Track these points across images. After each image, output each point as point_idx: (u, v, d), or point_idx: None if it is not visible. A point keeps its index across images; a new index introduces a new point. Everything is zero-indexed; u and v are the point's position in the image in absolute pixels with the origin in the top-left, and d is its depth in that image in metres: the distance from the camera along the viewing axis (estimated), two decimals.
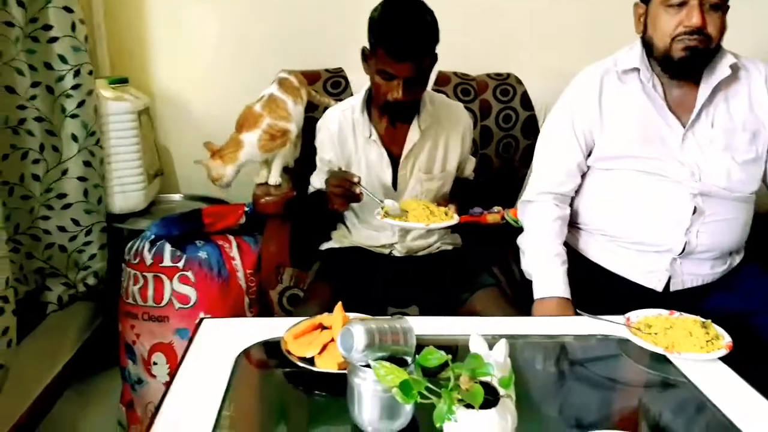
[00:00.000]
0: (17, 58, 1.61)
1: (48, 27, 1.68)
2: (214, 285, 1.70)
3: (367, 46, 1.48)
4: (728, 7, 1.38)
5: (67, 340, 1.93)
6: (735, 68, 1.43)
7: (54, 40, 1.69)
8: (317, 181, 1.66)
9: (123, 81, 2.09)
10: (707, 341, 1.13)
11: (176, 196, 2.28)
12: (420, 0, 1.43)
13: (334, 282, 1.52)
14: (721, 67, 1.42)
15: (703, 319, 1.20)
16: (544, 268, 1.45)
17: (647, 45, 1.44)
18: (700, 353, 1.11)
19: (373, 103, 1.57)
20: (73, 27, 1.72)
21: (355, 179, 1.42)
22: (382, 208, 1.45)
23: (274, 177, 1.78)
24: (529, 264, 1.50)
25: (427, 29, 1.41)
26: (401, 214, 1.43)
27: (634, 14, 1.48)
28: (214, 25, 2.23)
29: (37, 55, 1.67)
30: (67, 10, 1.70)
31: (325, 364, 1.03)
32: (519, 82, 2.10)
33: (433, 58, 1.48)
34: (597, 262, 1.55)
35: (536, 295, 1.43)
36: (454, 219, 1.44)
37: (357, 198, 1.43)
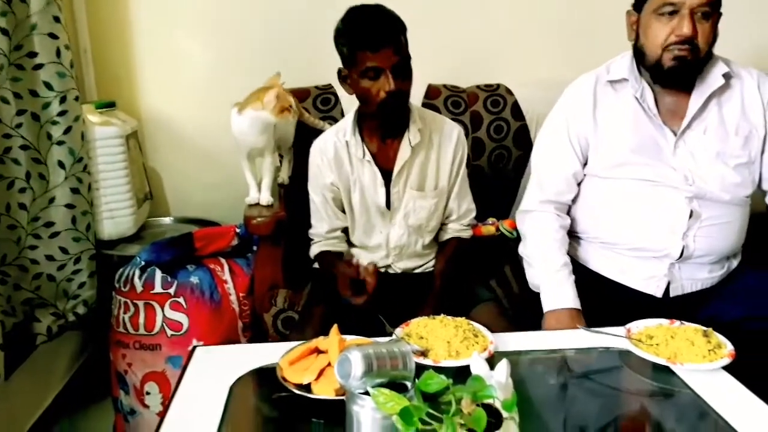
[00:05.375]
0: (2, 86, 1.59)
1: (33, 54, 1.66)
2: (206, 310, 1.67)
3: (341, 66, 1.48)
4: (720, 14, 1.38)
5: (58, 371, 1.89)
6: (727, 76, 1.43)
7: (39, 67, 1.67)
8: (320, 224, 1.63)
9: (110, 105, 2.08)
10: (709, 350, 1.12)
11: (167, 220, 2.26)
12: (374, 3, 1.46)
13: (329, 303, 1.49)
14: (713, 76, 1.42)
15: (705, 328, 1.19)
16: (553, 280, 1.44)
17: (639, 53, 1.44)
18: (702, 363, 1.09)
19: (363, 121, 1.56)
20: (58, 53, 1.70)
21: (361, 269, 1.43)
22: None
23: (266, 197, 1.77)
24: (535, 276, 1.49)
25: (392, 15, 1.44)
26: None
27: (627, 22, 1.47)
28: (201, 47, 2.23)
29: (22, 83, 1.65)
30: (52, 36, 1.68)
31: (322, 391, 1.00)
32: (509, 92, 2.10)
33: (408, 54, 1.47)
34: (595, 270, 1.54)
35: (546, 307, 1.42)
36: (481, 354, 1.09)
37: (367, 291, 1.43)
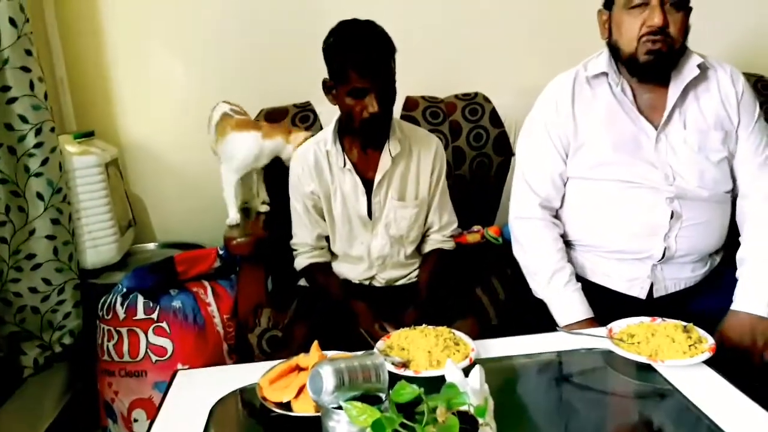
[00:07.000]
0: None
1: (6, 88, 1.66)
2: (190, 334, 1.66)
3: (327, 77, 1.49)
4: (691, 8, 1.39)
5: (47, 405, 1.87)
6: (703, 68, 1.44)
7: (13, 100, 1.67)
8: (302, 232, 1.63)
9: (89, 135, 2.08)
10: (690, 345, 1.12)
11: (151, 246, 2.25)
12: (366, 20, 1.45)
13: (313, 319, 1.49)
14: (689, 68, 1.43)
15: (685, 323, 1.19)
16: (562, 293, 1.44)
17: (613, 50, 1.45)
18: (683, 359, 1.09)
19: (344, 131, 1.57)
20: (32, 86, 1.70)
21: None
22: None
23: (233, 216, 1.79)
24: (542, 289, 1.48)
25: (383, 38, 1.44)
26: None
27: (599, 21, 1.48)
28: (178, 72, 2.23)
29: None
30: (25, 69, 1.69)
31: (302, 408, 1.00)
32: (487, 100, 2.11)
33: (394, 72, 1.48)
34: (580, 274, 1.53)
35: (563, 321, 1.41)
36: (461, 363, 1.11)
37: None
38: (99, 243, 1.92)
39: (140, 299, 1.66)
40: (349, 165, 1.55)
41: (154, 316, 1.66)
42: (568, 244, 1.55)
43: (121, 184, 2.15)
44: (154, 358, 1.65)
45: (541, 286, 1.48)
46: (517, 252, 1.56)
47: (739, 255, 1.45)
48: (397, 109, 2.02)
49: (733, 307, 1.38)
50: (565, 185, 1.53)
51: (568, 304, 1.43)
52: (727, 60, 1.51)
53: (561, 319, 1.42)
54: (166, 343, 1.65)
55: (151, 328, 1.65)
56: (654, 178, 1.42)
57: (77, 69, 2.17)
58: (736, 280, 1.47)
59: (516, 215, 1.56)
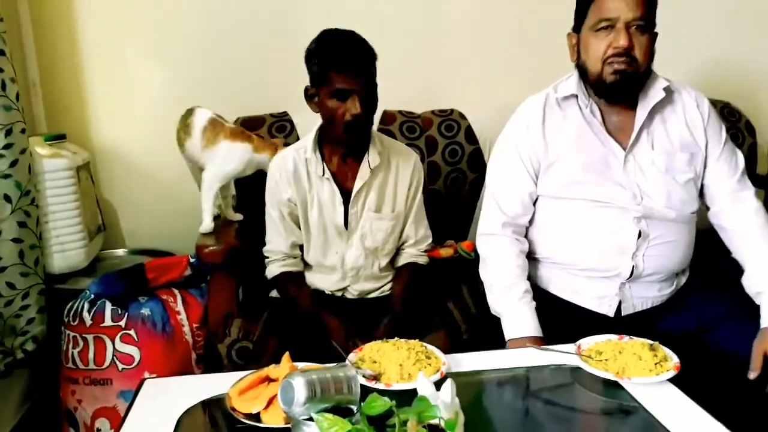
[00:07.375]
0: None
1: None
2: (158, 342, 1.64)
3: (308, 85, 1.50)
4: (656, 33, 1.43)
5: (6, 413, 1.81)
6: (668, 91, 1.48)
7: None
8: (276, 239, 1.62)
9: (61, 137, 2.05)
10: (656, 363, 1.14)
11: (120, 252, 2.22)
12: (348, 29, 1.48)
13: (285, 330, 1.48)
14: (655, 90, 1.47)
15: (651, 342, 1.21)
16: (514, 308, 1.44)
17: (582, 71, 1.49)
18: (649, 377, 1.11)
19: (325, 140, 1.57)
20: (4, 86, 1.67)
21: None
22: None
23: (207, 224, 1.77)
24: (497, 303, 1.49)
25: (365, 43, 1.47)
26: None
27: (568, 44, 1.52)
28: (153, 77, 2.21)
29: None
30: None
31: (272, 420, 0.99)
32: (462, 117, 2.14)
33: (375, 83, 1.50)
34: (549, 290, 1.56)
35: (508, 335, 1.42)
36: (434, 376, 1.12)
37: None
38: (67, 248, 1.88)
39: (108, 306, 1.63)
40: (327, 174, 1.56)
41: (122, 323, 1.63)
42: (537, 261, 1.57)
43: (91, 189, 2.11)
44: (120, 366, 1.61)
45: (497, 300, 1.49)
46: (481, 269, 1.58)
47: (750, 272, 1.45)
48: (375, 123, 2.03)
49: (765, 324, 1.37)
50: (534, 204, 1.55)
51: (518, 318, 1.43)
52: (692, 86, 1.56)
53: (508, 332, 1.42)
54: (133, 350, 1.62)
55: (118, 335, 1.62)
56: (622, 198, 1.45)
57: (50, 70, 2.14)
58: (700, 301, 1.52)
59: (482, 232, 1.58)
